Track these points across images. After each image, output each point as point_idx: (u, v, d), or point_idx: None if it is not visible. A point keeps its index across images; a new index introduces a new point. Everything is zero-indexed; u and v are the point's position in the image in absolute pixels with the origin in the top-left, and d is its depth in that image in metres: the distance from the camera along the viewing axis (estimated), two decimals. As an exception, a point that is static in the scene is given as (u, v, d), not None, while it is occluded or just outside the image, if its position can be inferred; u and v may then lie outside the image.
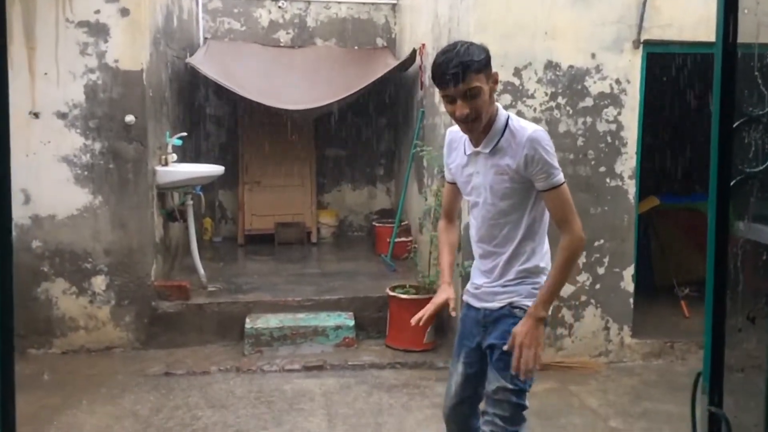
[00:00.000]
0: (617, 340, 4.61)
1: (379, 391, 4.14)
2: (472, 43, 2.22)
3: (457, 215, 2.56)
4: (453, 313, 2.52)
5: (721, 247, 1.39)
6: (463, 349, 2.49)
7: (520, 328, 2.24)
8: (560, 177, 2.24)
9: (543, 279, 2.32)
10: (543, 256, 2.36)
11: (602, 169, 4.52)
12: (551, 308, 2.32)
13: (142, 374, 4.36)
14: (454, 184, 2.51)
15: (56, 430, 3.60)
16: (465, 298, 2.50)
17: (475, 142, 2.32)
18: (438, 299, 2.44)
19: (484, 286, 2.39)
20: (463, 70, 2.14)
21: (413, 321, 2.41)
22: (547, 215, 2.34)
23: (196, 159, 6.82)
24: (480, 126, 2.25)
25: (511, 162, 2.23)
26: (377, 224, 6.86)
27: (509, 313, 2.32)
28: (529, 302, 2.29)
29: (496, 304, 2.35)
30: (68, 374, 4.38)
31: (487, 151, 2.29)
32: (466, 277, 2.71)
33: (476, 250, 2.45)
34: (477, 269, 2.46)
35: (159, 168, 5.06)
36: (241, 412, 3.83)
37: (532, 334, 2.21)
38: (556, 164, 2.23)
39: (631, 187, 4.54)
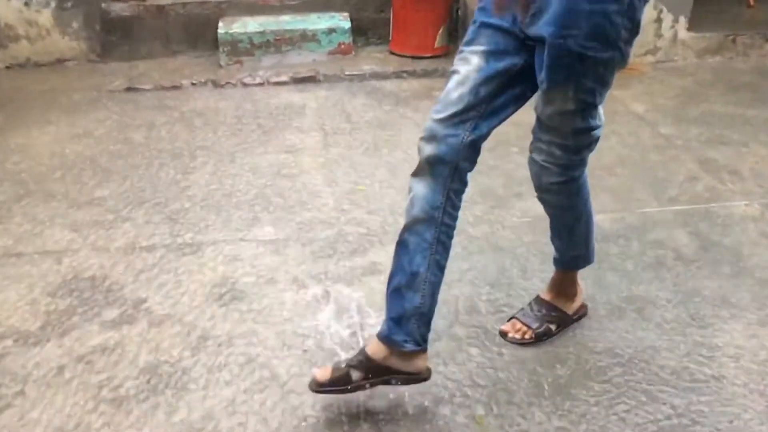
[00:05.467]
0: (669, 34, 3.82)
1: (382, 103, 3.50)
2: None
3: None
4: None
5: None
6: (488, 29, 1.53)
7: None
8: None
9: None
10: None
11: None
12: None
13: (101, 90, 3.68)
14: None
15: (1, 152, 3.04)
16: None
17: None
18: None
19: None
20: None
21: None
22: None
23: None
24: None
25: None
26: None
27: None
28: None
29: None
30: (15, 91, 3.71)
31: None
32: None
33: None
34: None
35: None
36: (220, 130, 3.22)
37: None
38: None
39: None
